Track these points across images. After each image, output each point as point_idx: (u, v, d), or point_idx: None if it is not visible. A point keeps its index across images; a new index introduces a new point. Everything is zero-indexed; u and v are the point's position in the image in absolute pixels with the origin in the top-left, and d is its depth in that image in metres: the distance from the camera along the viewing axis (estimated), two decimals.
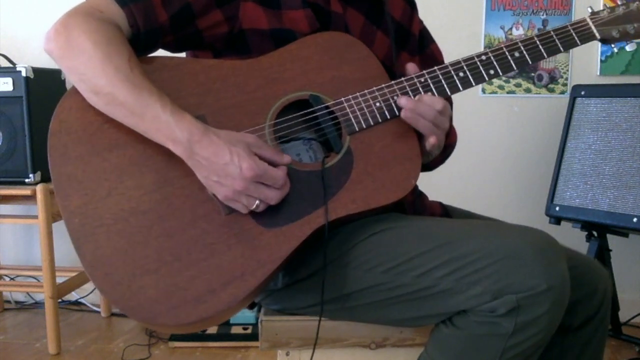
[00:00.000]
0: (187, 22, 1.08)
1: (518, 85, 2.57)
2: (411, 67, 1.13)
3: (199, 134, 0.96)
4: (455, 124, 1.29)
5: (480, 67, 1.14)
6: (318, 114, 1.09)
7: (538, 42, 1.16)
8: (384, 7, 1.23)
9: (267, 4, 1.11)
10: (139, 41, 1.05)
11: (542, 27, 2.52)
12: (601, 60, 2.50)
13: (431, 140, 1.09)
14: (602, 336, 1.16)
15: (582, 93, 2.21)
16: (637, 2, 1.21)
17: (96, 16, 1.01)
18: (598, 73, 2.51)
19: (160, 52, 1.11)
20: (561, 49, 1.17)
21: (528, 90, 2.57)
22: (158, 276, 0.96)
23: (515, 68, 1.15)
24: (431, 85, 1.12)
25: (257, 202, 0.98)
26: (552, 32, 1.17)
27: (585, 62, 2.51)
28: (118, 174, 1.00)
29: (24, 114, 2.29)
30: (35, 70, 2.33)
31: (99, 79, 0.98)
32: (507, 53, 1.15)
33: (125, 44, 1.01)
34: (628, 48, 1.25)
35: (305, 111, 1.09)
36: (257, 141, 1.01)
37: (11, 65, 2.40)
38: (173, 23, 1.07)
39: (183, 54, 1.18)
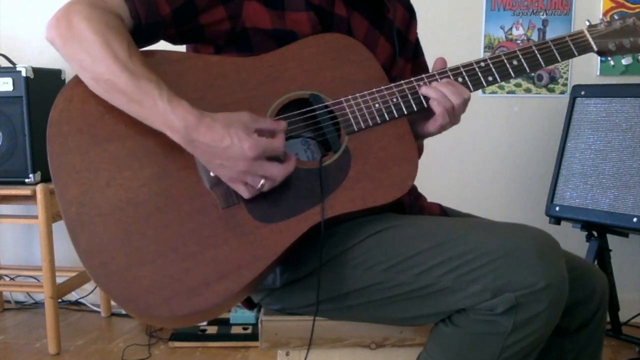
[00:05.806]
0: (189, 17, 1.08)
1: (518, 85, 2.57)
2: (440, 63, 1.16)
3: (195, 121, 0.96)
4: None
5: (479, 74, 1.16)
6: (317, 112, 1.09)
7: (536, 52, 1.19)
8: (386, 13, 1.24)
9: (271, 5, 1.12)
10: (140, 33, 1.06)
11: (542, 27, 2.52)
12: (601, 61, 2.50)
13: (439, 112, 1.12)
14: (600, 338, 1.17)
15: (582, 93, 2.21)
16: (633, 18, 1.26)
17: (98, 5, 1.01)
18: (598, 73, 2.51)
19: (161, 44, 1.11)
20: (559, 59, 1.21)
21: (528, 90, 2.57)
22: (153, 267, 0.96)
23: (513, 76, 1.18)
24: None
25: (262, 180, 0.98)
26: (550, 42, 1.20)
27: (585, 62, 2.50)
28: (117, 164, 1.00)
29: (24, 114, 2.30)
30: (35, 70, 2.34)
31: (98, 66, 0.98)
32: (505, 61, 1.17)
33: (125, 33, 1.01)
34: (624, 62, 1.28)
35: (305, 110, 1.09)
36: (252, 117, 1.00)
37: (11, 65, 2.40)
38: (175, 17, 1.07)
39: (184, 48, 1.19)
